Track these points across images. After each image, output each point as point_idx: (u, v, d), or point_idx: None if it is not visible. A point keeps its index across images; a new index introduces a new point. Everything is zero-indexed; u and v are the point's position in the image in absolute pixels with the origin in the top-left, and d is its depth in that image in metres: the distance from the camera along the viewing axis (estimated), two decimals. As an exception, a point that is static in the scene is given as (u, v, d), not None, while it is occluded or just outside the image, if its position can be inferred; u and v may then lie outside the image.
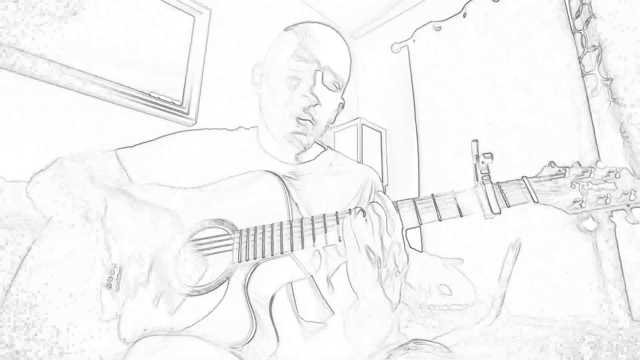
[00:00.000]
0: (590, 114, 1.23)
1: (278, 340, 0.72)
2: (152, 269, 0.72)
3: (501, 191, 0.69)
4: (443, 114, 1.62)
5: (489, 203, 0.68)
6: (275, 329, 0.73)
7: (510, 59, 1.44)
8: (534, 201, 0.67)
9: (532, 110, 1.35)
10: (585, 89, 1.25)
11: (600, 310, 1.09)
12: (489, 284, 0.83)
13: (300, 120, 0.88)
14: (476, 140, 0.72)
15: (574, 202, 0.66)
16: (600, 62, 1.20)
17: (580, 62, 1.28)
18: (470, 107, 1.53)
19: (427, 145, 1.65)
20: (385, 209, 0.68)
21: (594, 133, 1.21)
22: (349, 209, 0.73)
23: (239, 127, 1.03)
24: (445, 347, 0.72)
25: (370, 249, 0.67)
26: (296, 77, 0.89)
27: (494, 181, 0.70)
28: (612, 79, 1.14)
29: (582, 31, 1.28)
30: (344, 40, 0.95)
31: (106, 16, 1.30)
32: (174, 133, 0.98)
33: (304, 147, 0.92)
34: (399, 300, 0.71)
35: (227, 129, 1.02)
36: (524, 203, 0.68)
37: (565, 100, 1.27)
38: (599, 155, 1.18)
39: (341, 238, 0.71)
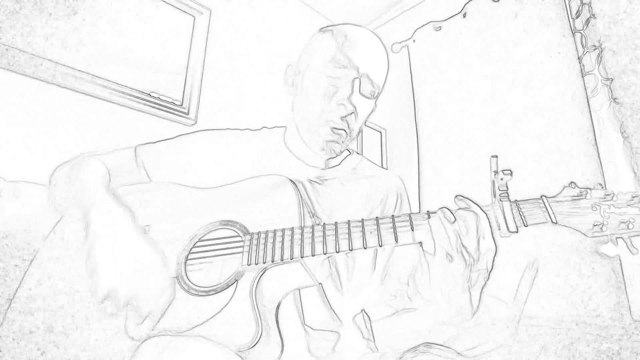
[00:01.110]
0: (590, 114, 1.23)
1: (282, 346, 0.72)
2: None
3: (519, 210, 0.67)
4: (443, 114, 1.62)
5: (506, 221, 0.67)
6: (281, 335, 0.73)
7: (510, 59, 1.44)
8: (552, 222, 0.65)
9: (531, 110, 1.35)
10: (585, 89, 1.25)
11: (600, 310, 1.09)
12: (502, 294, 0.83)
13: (335, 130, 0.85)
14: (496, 156, 0.70)
15: (595, 225, 0.64)
16: (600, 62, 1.20)
17: (580, 62, 1.28)
18: (470, 107, 1.53)
19: (427, 145, 1.66)
20: (476, 215, 0.67)
21: (594, 133, 1.21)
22: (424, 213, 0.71)
23: (262, 127, 1.01)
24: (454, 350, 0.72)
25: (468, 251, 0.66)
26: (333, 85, 0.86)
27: (511, 198, 0.68)
28: (612, 79, 1.14)
29: (582, 31, 1.29)
30: (384, 45, 0.92)
31: (106, 16, 1.30)
32: (194, 132, 0.96)
33: (336, 155, 0.90)
34: (478, 305, 0.70)
35: (249, 129, 0.99)
36: (542, 223, 0.66)
37: (565, 100, 1.28)
38: (599, 155, 1.19)
39: (430, 238, 0.69)
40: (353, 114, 0.86)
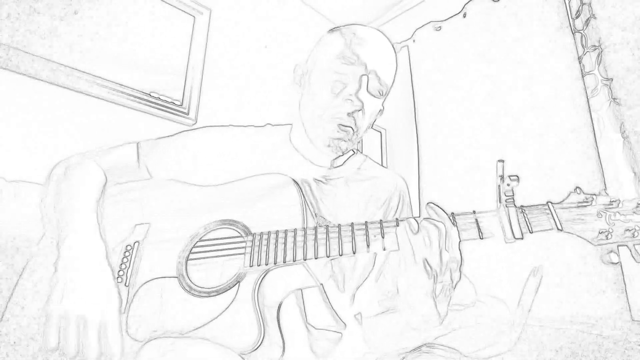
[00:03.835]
0: (590, 114, 1.23)
1: (284, 347, 0.71)
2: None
3: (525, 216, 0.66)
4: (443, 114, 1.62)
5: (511, 227, 0.66)
6: (282, 336, 0.72)
7: (510, 59, 1.44)
8: (558, 229, 0.65)
9: (531, 110, 1.35)
10: (585, 89, 1.25)
11: (600, 310, 1.09)
12: (503, 296, 0.82)
13: (342, 127, 0.84)
14: (502, 161, 0.69)
15: (600, 232, 0.64)
16: (600, 62, 1.20)
17: (580, 62, 1.28)
18: (470, 107, 1.53)
19: (427, 145, 1.65)
20: (442, 224, 0.66)
21: (594, 133, 1.21)
22: (392, 219, 0.71)
23: (266, 125, 0.99)
24: (457, 350, 0.72)
25: (428, 263, 0.66)
26: (341, 81, 0.84)
27: (510, 199, 0.68)
28: (612, 79, 1.14)
29: (582, 31, 1.28)
30: (393, 45, 0.90)
31: (107, 16, 1.30)
32: (197, 128, 0.95)
33: (342, 153, 0.89)
34: (447, 313, 0.70)
35: (254, 126, 0.98)
36: (547, 230, 0.65)
37: (565, 100, 1.27)
38: (598, 155, 1.18)
39: (386, 247, 0.69)
40: (360, 111, 0.84)
